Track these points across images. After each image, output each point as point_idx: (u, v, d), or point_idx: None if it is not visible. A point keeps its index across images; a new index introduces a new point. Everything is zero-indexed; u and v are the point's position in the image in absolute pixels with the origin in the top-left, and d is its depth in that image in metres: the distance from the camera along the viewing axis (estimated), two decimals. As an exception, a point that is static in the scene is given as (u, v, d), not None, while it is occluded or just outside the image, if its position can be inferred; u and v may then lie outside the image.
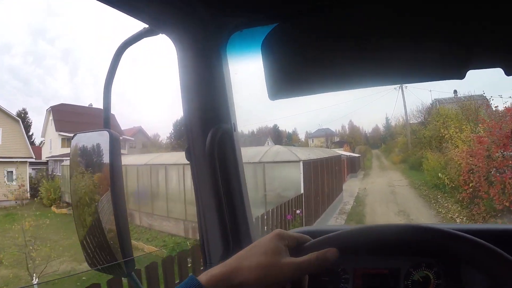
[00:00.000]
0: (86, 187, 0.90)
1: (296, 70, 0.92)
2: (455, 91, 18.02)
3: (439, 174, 11.67)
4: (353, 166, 21.44)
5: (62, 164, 20.24)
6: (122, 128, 29.03)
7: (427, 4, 0.80)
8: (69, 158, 0.93)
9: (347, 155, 19.78)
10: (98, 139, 0.89)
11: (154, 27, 0.91)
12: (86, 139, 0.93)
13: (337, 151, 18.74)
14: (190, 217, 10.06)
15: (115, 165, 0.85)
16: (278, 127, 34.57)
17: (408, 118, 24.36)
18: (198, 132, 0.98)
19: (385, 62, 0.89)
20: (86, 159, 0.92)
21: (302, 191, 8.14)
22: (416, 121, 23.45)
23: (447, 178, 11.05)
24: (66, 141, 29.95)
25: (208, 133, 0.90)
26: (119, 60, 0.95)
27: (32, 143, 29.61)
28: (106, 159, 0.86)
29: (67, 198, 17.11)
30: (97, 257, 0.89)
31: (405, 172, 20.41)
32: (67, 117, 29.53)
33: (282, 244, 0.61)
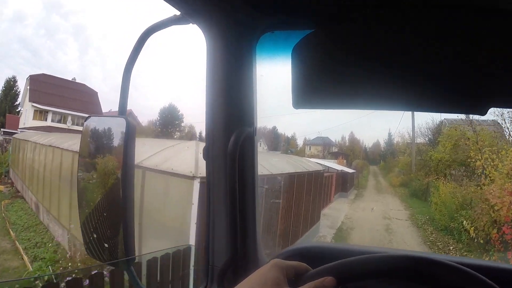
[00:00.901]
0: (96, 176, 0.85)
1: (324, 81, 0.90)
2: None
3: (460, 218, 9.13)
4: (345, 183, 19.31)
5: (13, 136, 18.99)
6: (112, 109, 28.79)
7: (459, 38, 0.82)
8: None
9: (337, 170, 18.11)
10: (113, 125, 0.86)
11: (187, 15, 0.90)
12: (101, 123, 0.91)
13: (328, 164, 18.08)
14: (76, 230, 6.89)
15: (129, 154, 0.84)
16: (277, 129, 34.11)
17: (415, 135, 21.09)
18: (220, 132, 0.97)
19: (415, 88, 0.88)
20: (98, 145, 0.89)
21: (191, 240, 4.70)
22: (423, 140, 20.96)
23: (470, 225, 8.34)
24: (38, 113, 28.82)
25: (231, 135, 0.89)
26: (143, 45, 0.93)
27: (18, 113, 29.13)
28: (119, 147, 0.81)
29: (11, 174, 15.78)
30: (98, 248, 0.87)
31: (405, 199, 18.14)
32: (44, 88, 27.92)
33: (281, 274, 0.64)
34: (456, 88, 0.84)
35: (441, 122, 18.58)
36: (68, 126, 27.41)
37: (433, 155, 16.65)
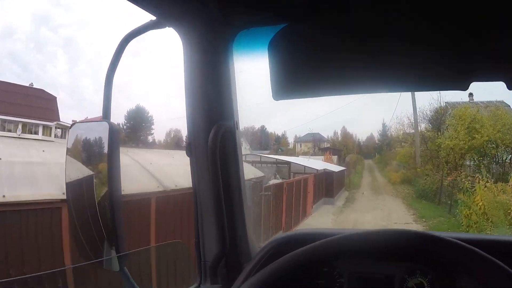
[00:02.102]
0: (85, 180, 0.88)
1: (301, 72, 0.95)
2: (470, 94, 13.88)
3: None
4: (330, 185, 15.36)
5: None
6: (90, 117, 25.98)
7: (435, 15, 0.84)
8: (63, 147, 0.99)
9: (317, 170, 14.95)
10: (97, 130, 0.88)
11: (162, 19, 0.94)
12: (85, 129, 0.93)
13: (308, 162, 16.23)
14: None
15: (113, 158, 0.85)
16: (266, 129, 32.90)
17: (418, 120, 17.15)
18: (200, 128, 1.00)
19: (391, 69, 0.91)
20: (86, 151, 0.91)
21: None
22: (426, 125, 17.21)
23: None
24: (-9, 123, 23.64)
25: (211, 130, 0.91)
26: (123, 51, 0.96)
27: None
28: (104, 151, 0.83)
29: None
30: (90, 250, 0.89)
31: (412, 203, 13.70)
32: (-4, 96, 23.11)
33: None
34: (437, 65, 0.87)
35: (443, 106, 16.19)
36: (19, 135, 23.96)
37: (443, 143, 13.82)
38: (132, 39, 0.94)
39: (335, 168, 17.29)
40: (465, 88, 0.87)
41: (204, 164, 0.96)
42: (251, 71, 1.05)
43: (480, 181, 7.68)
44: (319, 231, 0.99)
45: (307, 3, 0.87)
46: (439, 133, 15.21)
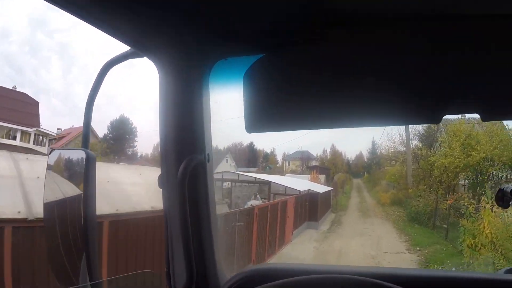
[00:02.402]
0: (60, 206, 0.92)
1: (275, 104, 0.95)
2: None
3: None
4: (314, 207, 13.96)
5: None
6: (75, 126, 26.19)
7: (410, 49, 0.88)
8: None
9: (299, 191, 13.56)
10: (74, 157, 0.91)
11: (138, 50, 0.95)
12: (63, 156, 0.97)
13: (291, 182, 15.03)
14: None
15: (89, 186, 0.88)
16: (254, 146, 31.21)
17: (410, 136, 16.50)
18: (172, 160, 1.01)
19: (365, 103, 0.91)
20: (63, 177, 0.95)
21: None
22: (418, 143, 16.37)
23: None
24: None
25: (181, 163, 0.93)
26: (103, 78, 0.99)
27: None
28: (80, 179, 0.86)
29: None
30: (66, 278, 0.90)
31: (403, 227, 12.73)
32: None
33: None
34: (411, 100, 0.88)
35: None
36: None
37: (437, 161, 13.36)
38: (111, 67, 0.98)
39: (321, 188, 16.31)
40: (438, 121, 0.90)
41: (174, 197, 0.98)
42: (229, 102, 1.06)
43: (486, 204, 6.28)
44: (287, 267, 1.03)
45: (285, 34, 0.91)
46: (431, 151, 14.64)
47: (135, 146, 31.31)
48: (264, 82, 0.94)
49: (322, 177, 22.42)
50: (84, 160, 0.84)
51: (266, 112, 0.95)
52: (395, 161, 17.33)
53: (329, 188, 17.82)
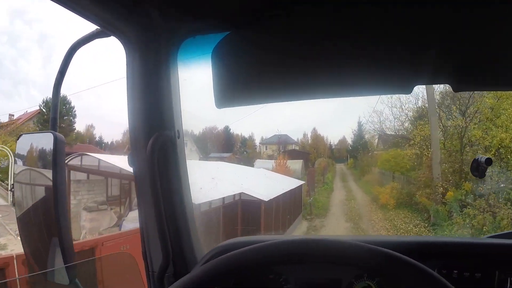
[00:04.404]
0: (31, 191, 0.92)
1: (244, 79, 1.01)
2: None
3: None
4: (252, 221, 9.60)
5: None
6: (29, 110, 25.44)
7: (379, 19, 0.90)
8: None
9: (223, 200, 9.08)
10: (43, 140, 0.89)
11: (105, 29, 0.99)
12: (32, 140, 0.96)
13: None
14: None
15: (58, 169, 0.87)
16: (230, 130, 27.59)
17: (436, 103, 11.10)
18: (141, 137, 1.03)
19: (335, 74, 0.95)
20: (33, 161, 0.94)
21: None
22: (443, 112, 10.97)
23: None
24: None
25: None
26: (71, 60, 1.02)
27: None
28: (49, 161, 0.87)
29: None
30: (40, 262, 0.91)
31: None
32: None
33: None
34: (381, 71, 0.92)
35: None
36: None
37: (486, 137, 9.00)
38: (79, 48, 1.04)
39: (284, 183, 12.00)
40: (409, 91, 0.95)
41: (145, 175, 1.02)
42: (198, 79, 1.11)
43: None
44: (266, 238, 1.02)
45: (251, 10, 0.96)
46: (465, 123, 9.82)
47: (74, 129, 27.48)
48: (232, 58, 0.98)
49: (296, 163, 18.26)
50: (52, 142, 0.85)
51: (235, 87, 1.00)
52: (406, 140, 10.34)
53: (299, 183, 13.77)
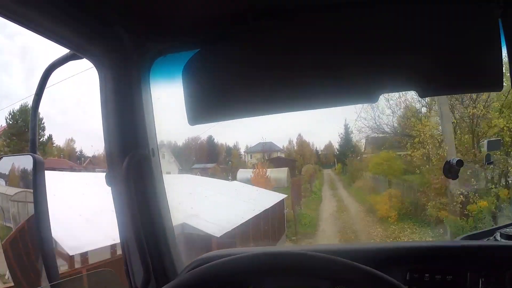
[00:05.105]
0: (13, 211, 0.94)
1: (214, 95, 1.02)
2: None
3: None
4: None
5: None
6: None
7: (342, 31, 0.93)
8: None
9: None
10: (23, 163, 0.91)
11: (77, 53, 1.01)
12: (13, 161, 0.98)
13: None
14: None
15: (39, 189, 0.87)
16: (214, 140, 25.53)
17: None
18: (116, 157, 1.05)
19: (303, 87, 0.97)
20: (14, 183, 0.96)
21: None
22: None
23: None
24: None
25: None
26: (47, 81, 1.04)
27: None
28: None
29: None
30: (25, 282, 0.94)
31: None
32: None
33: None
34: (346, 82, 0.95)
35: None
36: None
37: None
38: (53, 70, 1.06)
39: (265, 200, 9.62)
40: (375, 100, 0.97)
41: (122, 194, 1.03)
42: (172, 97, 1.13)
43: None
44: (245, 250, 1.09)
45: (218, 27, 0.98)
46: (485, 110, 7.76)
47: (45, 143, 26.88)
48: (202, 75, 0.99)
49: (281, 171, 16.39)
50: (32, 165, 0.87)
51: (206, 103, 1.01)
52: (411, 138, 9.89)
53: (280, 197, 10.99)
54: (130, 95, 1.01)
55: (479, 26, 0.91)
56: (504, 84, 0.97)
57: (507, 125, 7.75)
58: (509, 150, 7.81)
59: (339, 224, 11.34)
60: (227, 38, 0.93)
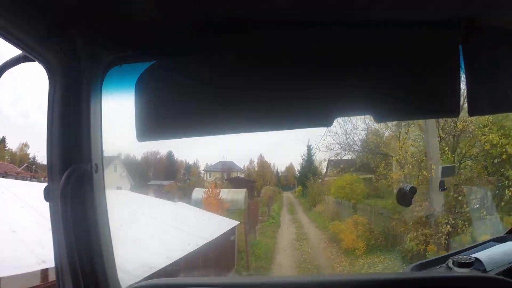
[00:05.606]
0: None
1: (166, 112, 0.99)
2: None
3: None
4: None
5: None
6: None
7: (300, 54, 0.93)
8: None
9: None
10: None
11: (29, 55, 0.97)
12: None
13: None
14: None
15: None
16: (174, 156, 24.36)
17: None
18: (57, 170, 1.00)
19: (253, 109, 0.96)
20: None
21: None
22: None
23: None
24: None
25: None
26: None
27: None
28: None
29: None
30: None
31: None
32: None
33: None
34: (301, 105, 0.94)
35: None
36: None
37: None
38: (5, 71, 1.00)
39: (216, 227, 8.15)
40: (329, 124, 0.96)
41: (58, 209, 1.00)
42: (123, 109, 1.06)
43: None
44: (178, 282, 1.06)
45: (176, 40, 0.96)
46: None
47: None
48: (155, 89, 0.97)
49: (239, 192, 15.11)
50: None
51: (157, 119, 0.98)
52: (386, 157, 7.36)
53: (230, 224, 9.43)
54: (78, 104, 0.95)
55: (439, 51, 0.92)
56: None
57: (500, 140, 7.24)
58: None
59: (298, 255, 9.85)
60: (185, 52, 0.93)
